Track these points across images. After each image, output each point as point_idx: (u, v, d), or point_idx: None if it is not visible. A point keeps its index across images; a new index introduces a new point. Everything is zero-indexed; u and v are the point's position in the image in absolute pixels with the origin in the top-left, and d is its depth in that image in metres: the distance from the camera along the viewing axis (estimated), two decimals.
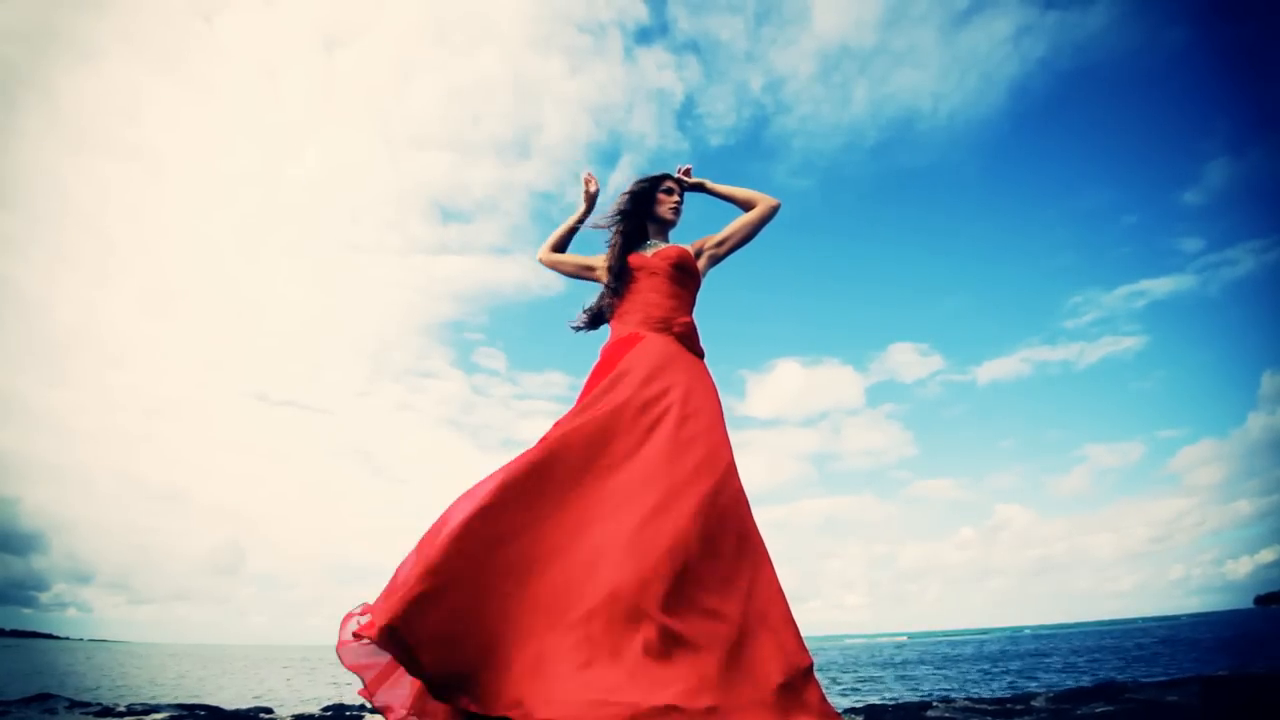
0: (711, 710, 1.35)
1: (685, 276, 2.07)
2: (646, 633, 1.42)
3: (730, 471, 1.77)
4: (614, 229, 2.18)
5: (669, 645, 1.42)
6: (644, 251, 2.13)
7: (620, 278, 2.09)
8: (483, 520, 1.50)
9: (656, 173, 2.25)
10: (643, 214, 2.19)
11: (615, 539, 1.54)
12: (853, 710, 4.56)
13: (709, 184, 2.27)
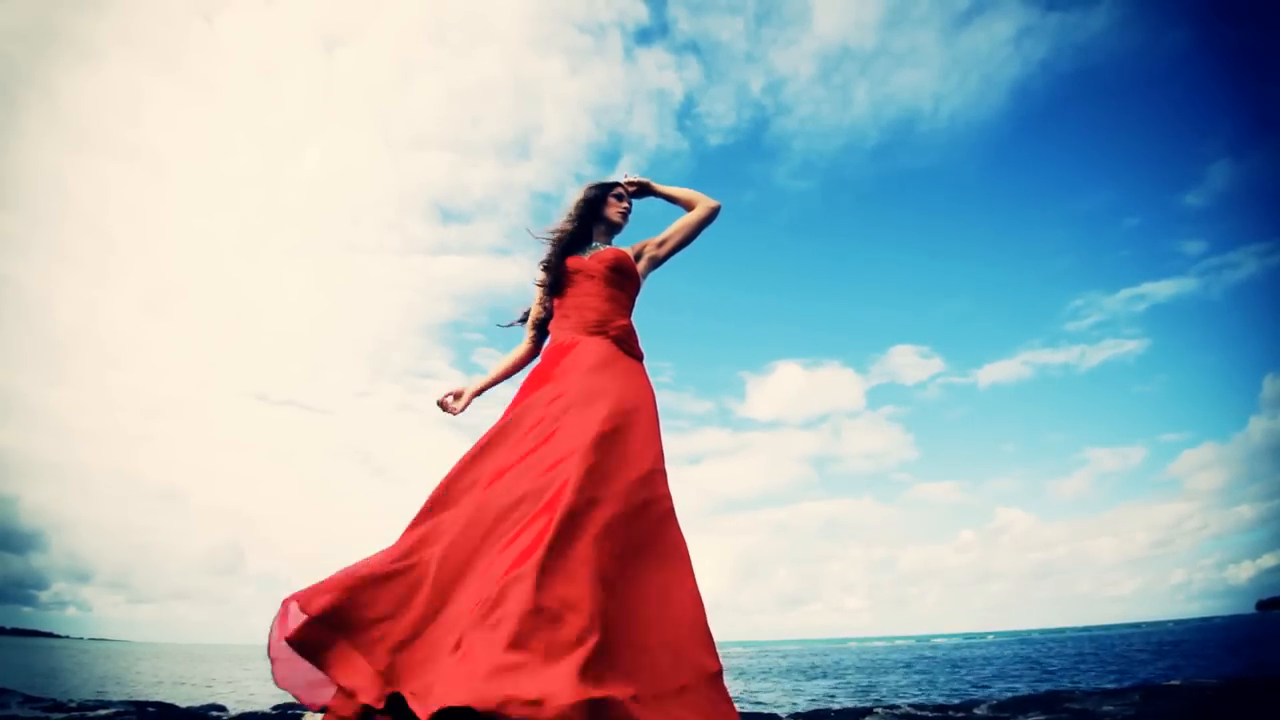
0: (598, 705, 1.34)
1: (622, 279, 2.06)
2: (548, 629, 1.42)
3: (651, 476, 1.75)
4: (561, 229, 2.17)
5: (568, 641, 1.41)
6: (582, 255, 2.12)
7: (558, 279, 2.08)
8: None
9: (608, 179, 2.27)
10: (591, 218, 2.20)
11: (524, 535, 1.55)
12: (797, 714, 4.48)
13: (654, 185, 2.28)
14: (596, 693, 1.35)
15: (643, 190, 2.27)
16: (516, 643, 1.37)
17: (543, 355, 2.05)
